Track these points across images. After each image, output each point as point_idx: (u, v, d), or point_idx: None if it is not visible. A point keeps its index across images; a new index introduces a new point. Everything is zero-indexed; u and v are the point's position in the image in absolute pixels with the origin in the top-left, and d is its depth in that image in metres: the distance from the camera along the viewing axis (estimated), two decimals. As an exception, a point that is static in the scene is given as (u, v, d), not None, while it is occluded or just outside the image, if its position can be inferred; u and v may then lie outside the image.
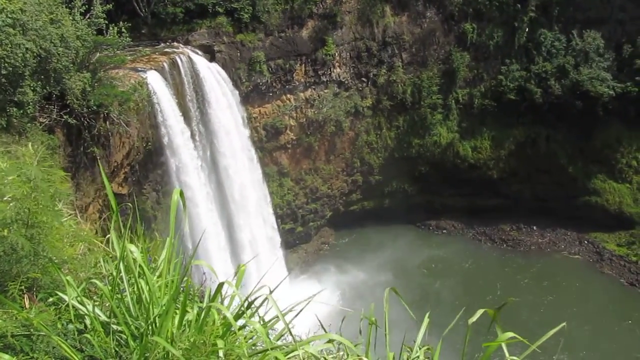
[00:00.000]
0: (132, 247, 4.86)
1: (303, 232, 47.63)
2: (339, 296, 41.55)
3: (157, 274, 4.98)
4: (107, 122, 24.01)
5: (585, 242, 46.86)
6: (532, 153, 47.39)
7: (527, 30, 46.20)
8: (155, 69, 28.81)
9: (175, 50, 32.62)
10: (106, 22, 24.25)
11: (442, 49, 46.17)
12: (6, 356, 3.97)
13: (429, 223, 50.89)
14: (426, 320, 4.66)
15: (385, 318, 4.78)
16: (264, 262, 35.28)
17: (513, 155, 48.05)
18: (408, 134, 47.92)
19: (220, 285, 4.70)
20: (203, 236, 31.13)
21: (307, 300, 4.70)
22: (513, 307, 37.16)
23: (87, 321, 4.55)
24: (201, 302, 4.98)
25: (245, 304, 4.71)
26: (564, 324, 4.99)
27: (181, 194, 4.90)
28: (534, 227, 48.63)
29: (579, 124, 45.85)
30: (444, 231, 50.47)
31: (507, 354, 4.32)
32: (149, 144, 28.85)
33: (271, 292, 4.71)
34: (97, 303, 4.75)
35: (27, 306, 4.67)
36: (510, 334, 4.09)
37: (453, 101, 47.72)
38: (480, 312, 4.36)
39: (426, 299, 40.46)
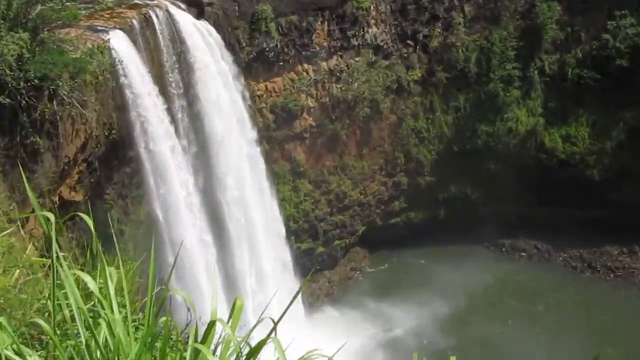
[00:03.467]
0: (86, 277, 4.88)
1: (326, 253, 47.97)
2: (373, 350, 41.93)
3: (125, 311, 4.97)
4: (54, 102, 23.92)
5: None
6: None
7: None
8: (121, 29, 28.85)
9: (149, 2, 32.37)
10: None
11: (522, -3, 46.74)
12: None
13: (501, 243, 50.74)
14: None
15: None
16: (270, 293, 36.15)
17: (624, 147, 47.75)
18: (472, 118, 47.85)
19: (212, 324, 4.72)
20: (190, 261, 31.57)
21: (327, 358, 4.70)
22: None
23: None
24: (186, 350, 5.01)
25: (245, 351, 4.73)
26: None
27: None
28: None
29: None
30: (523, 254, 50.42)
31: None
32: (113, 132, 29.04)
33: (273, 328, 4.68)
34: (40, 353, 4.72)
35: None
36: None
37: (536, 72, 47.77)
38: None
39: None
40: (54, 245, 4.75)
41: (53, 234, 4.87)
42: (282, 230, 41.51)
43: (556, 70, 47.93)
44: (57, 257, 4.79)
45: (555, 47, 47.68)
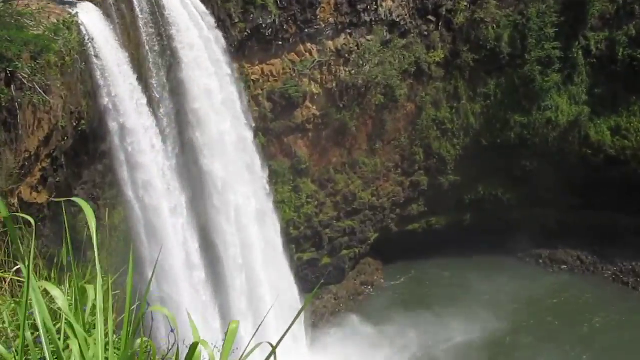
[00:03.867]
0: (55, 291, 4.89)
1: (332, 265, 48.08)
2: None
3: (100, 332, 4.90)
4: (12, 87, 23.88)
5: None
6: None
7: None
8: (91, 1, 28.84)
9: (125, -31, 31.63)
10: None
11: (564, -35, 46.77)
12: None
13: (537, 253, 50.74)
14: None
15: None
16: (265, 310, 36.53)
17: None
18: (503, 106, 47.79)
19: (194, 346, 4.72)
20: (173, 273, 32.06)
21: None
22: None
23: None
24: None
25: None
26: None
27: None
28: None
29: None
30: (564, 267, 50.43)
31: None
32: (83, 122, 29.02)
33: (271, 353, 4.62)
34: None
35: None
36: None
37: (580, 53, 47.74)
38: None
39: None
40: (25, 255, 4.79)
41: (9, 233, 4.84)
42: (279, 240, 41.48)
43: (604, 50, 47.91)
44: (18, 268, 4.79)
45: (603, 23, 47.64)
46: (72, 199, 5.71)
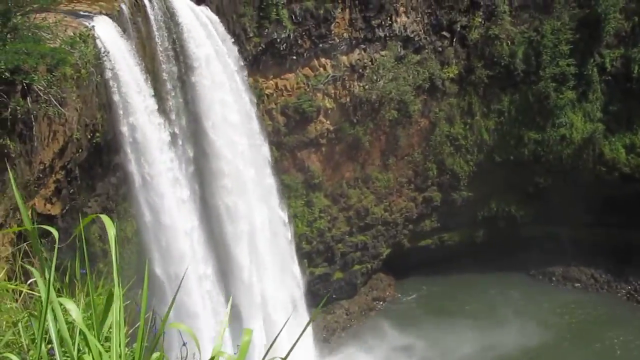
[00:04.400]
0: (70, 304, 4.90)
1: (344, 280, 48.00)
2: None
3: (115, 347, 4.94)
4: (28, 99, 23.60)
5: None
6: None
7: None
8: (107, 14, 28.72)
9: (140, -17, 31.63)
10: None
11: (579, -19, 46.75)
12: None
13: (550, 271, 50.64)
14: None
15: None
16: (275, 324, 36.75)
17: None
18: (517, 123, 47.62)
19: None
20: (184, 288, 31.39)
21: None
22: None
23: None
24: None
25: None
26: None
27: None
28: None
29: None
30: (577, 285, 50.19)
31: None
32: (97, 135, 28.91)
33: None
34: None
35: None
36: None
37: (595, 69, 47.53)
38: None
39: None
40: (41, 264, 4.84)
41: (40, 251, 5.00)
42: (293, 252, 41.63)
43: (619, 67, 47.82)
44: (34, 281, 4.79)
45: (618, 41, 47.58)
46: (99, 215, 5.82)
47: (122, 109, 29.06)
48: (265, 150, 39.09)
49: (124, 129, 29.49)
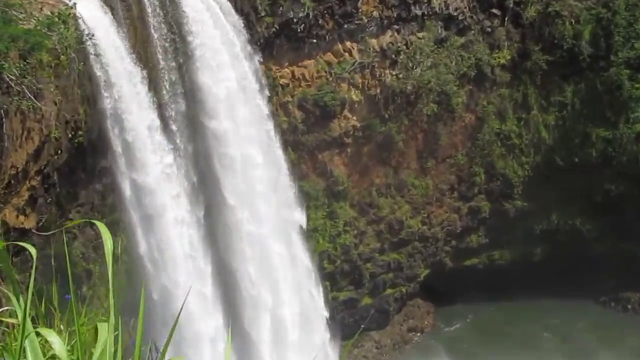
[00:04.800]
0: (52, 336, 5.01)
1: (373, 306, 46.47)
2: None
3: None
4: (-2, 91, 24.43)
5: None
6: None
7: None
8: (92, -8, 29.39)
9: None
10: None
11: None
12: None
13: (625, 297, 48.77)
14: None
15: None
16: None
17: None
18: (583, 118, 46.27)
19: None
20: (184, 317, 30.75)
21: None
22: None
23: None
24: None
25: None
26: None
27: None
28: None
29: None
30: (659, 314, 48.55)
31: None
32: (80, 133, 29.44)
33: None
34: None
35: None
36: None
37: (677, 55, 45.54)
38: None
39: None
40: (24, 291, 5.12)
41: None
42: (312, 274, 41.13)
43: None
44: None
45: None
46: (93, 220, 6.56)
47: (109, 102, 29.65)
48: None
49: (111, 125, 30.17)
